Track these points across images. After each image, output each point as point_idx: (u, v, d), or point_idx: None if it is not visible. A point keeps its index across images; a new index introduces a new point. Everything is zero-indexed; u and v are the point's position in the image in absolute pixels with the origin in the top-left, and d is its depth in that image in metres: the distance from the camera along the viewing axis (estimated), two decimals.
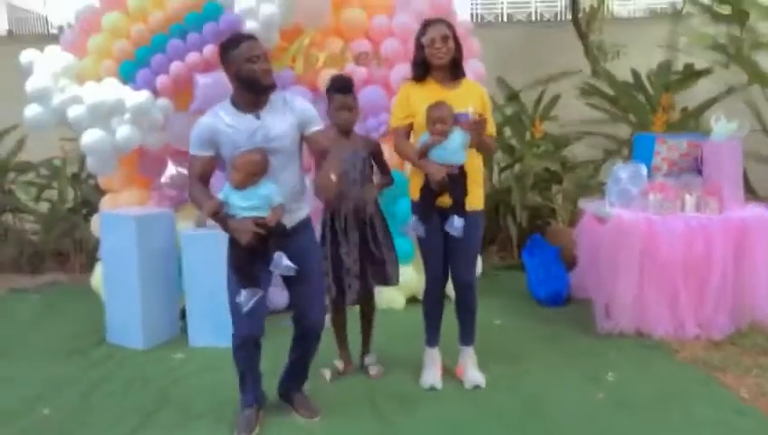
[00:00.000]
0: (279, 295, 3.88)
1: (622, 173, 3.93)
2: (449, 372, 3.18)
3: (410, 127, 2.95)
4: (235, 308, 2.55)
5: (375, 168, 3.18)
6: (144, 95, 3.79)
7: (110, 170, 4.03)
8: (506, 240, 5.45)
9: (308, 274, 2.63)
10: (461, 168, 2.80)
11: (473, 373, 3.10)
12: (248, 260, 2.48)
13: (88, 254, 5.24)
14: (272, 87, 2.52)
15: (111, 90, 3.81)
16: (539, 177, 5.51)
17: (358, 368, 3.32)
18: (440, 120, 2.76)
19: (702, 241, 3.51)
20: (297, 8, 3.88)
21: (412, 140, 2.96)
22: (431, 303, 3.13)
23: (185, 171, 3.94)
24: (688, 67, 5.71)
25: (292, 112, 2.57)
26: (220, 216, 2.44)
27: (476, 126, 2.76)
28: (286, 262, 2.48)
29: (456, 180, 2.79)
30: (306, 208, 2.71)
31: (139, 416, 2.88)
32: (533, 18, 7.89)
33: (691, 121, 5.34)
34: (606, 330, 3.66)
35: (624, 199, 3.86)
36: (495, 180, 5.70)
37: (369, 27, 4.15)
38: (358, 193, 3.03)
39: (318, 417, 2.80)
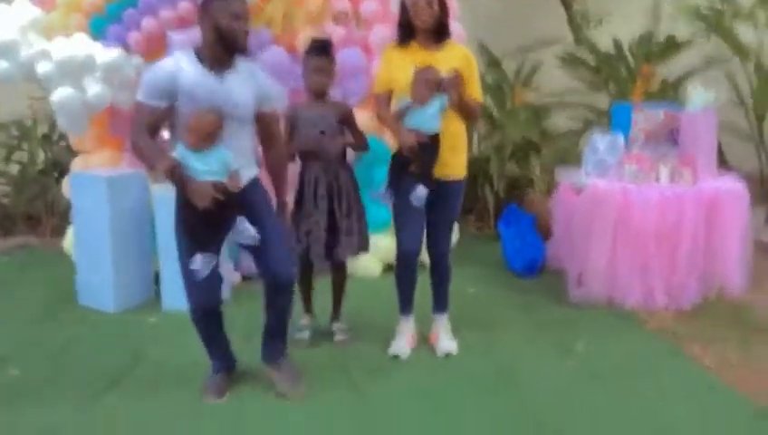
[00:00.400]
0: (249, 259, 3.85)
1: (600, 143, 3.94)
2: (424, 340, 3.18)
3: (390, 93, 2.89)
4: (188, 276, 2.47)
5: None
6: (116, 52, 3.68)
7: (81, 130, 3.92)
8: (484, 210, 5.45)
9: (267, 229, 2.54)
10: (434, 136, 2.75)
11: (445, 342, 3.10)
12: (203, 224, 2.37)
13: (60, 216, 5.14)
14: (245, 50, 2.44)
15: (81, 45, 3.69)
16: (518, 146, 5.49)
17: (326, 333, 3.30)
18: (425, 84, 2.71)
19: (674, 211, 3.55)
20: None
21: (392, 103, 2.91)
22: (404, 272, 3.07)
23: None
24: (670, 38, 5.69)
25: (257, 84, 2.51)
26: (178, 175, 2.30)
27: (453, 83, 2.72)
28: (249, 230, 2.41)
29: (427, 149, 2.74)
30: (255, 168, 2.63)
31: (108, 378, 2.87)
32: None
33: (670, 92, 5.34)
34: (578, 299, 3.70)
35: (601, 169, 3.87)
36: (475, 149, 5.69)
37: None
38: (327, 156, 2.98)
39: (300, 390, 2.69)
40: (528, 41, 5.85)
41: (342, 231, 3.02)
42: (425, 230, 2.99)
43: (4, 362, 3.03)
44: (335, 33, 3.99)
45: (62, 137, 5.09)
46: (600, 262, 3.60)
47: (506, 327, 3.42)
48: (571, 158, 5.23)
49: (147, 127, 2.36)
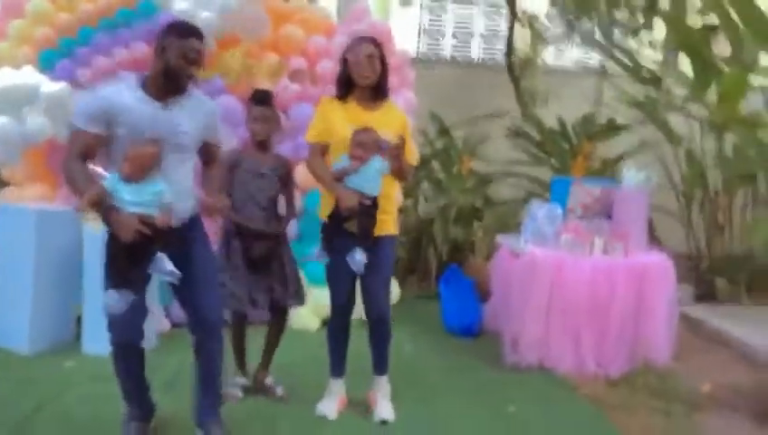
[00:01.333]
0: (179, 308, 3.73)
1: (539, 212, 4.06)
2: (359, 402, 3.07)
3: (326, 145, 2.83)
4: (105, 310, 2.35)
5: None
6: (62, 86, 3.62)
7: (14, 161, 3.79)
8: (427, 270, 5.50)
9: (197, 269, 2.45)
10: (374, 199, 2.72)
11: (383, 407, 2.97)
12: (125, 259, 2.26)
13: None
14: (183, 88, 2.39)
15: (29, 77, 3.62)
16: (462, 211, 5.62)
17: (258, 385, 3.18)
18: (364, 145, 2.69)
19: (606, 283, 3.66)
20: (235, 18, 3.85)
21: (329, 159, 2.85)
22: (334, 332, 3.02)
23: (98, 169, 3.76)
24: (611, 121, 6.04)
25: (203, 113, 2.46)
26: (104, 205, 2.21)
27: (397, 150, 2.72)
28: (169, 266, 2.28)
29: (367, 211, 2.71)
30: (193, 204, 2.52)
31: (9, 426, 2.66)
32: (476, 61, 8.20)
33: (608, 171, 5.61)
34: (512, 363, 3.72)
35: (539, 237, 3.98)
36: (420, 211, 5.79)
37: (307, 46, 4.16)
38: (262, 223, 2.98)
39: None
40: (478, 112, 6.10)
41: (276, 276, 3.00)
42: (356, 285, 2.93)
43: None
44: (290, 88, 4.06)
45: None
46: (535, 327, 3.65)
47: (440, 388, 3.39)
48: (512, 225, 5.38)
49: (80, 154, 2.28)
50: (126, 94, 2.30)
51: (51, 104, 3.61)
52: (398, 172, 2.83)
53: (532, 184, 5.87)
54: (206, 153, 2.57)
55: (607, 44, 5.96)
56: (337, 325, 3.02)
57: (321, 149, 2.83)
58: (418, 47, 10.42)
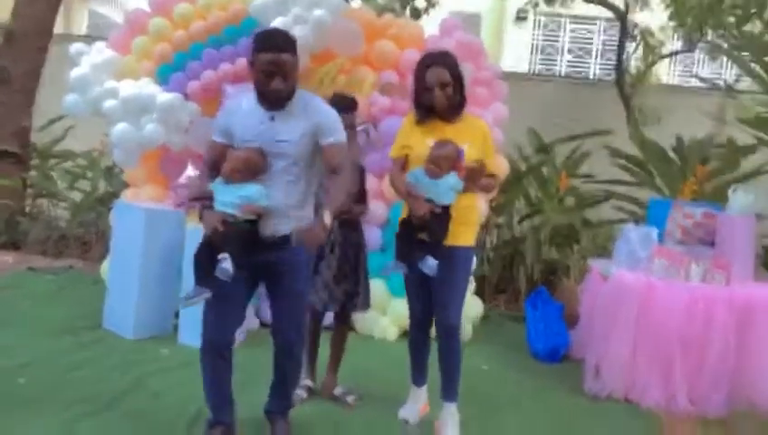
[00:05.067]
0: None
1: (633, 235, 3.85)
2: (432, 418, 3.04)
3: (407, 159, 2.88)
4: (205, 310, 2.45)
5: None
6: (174, 97, 3.97)
7: (133, 164, 4.20)
8: (517, 291, 5.36)
9: (287, 290, 2.50)
10: (446, 207, 2.73)
11: None
12: (207, 257, 2.33)
13: (106, 243, 5.42)
14: (279, 100, 2.40)
15: (145, 88, 4.01)
16: (558, 232, 5.44)
17: (326, 394, 3.23)
18: (439, 161, 2.70)
19: (703, 313, 3.38)
20: (330, 34, 4.02)
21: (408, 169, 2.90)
22: (413, 344, 3.06)
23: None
24: (730, 142, 5.59)
25: (309, 118, 2.43)
26: (202, 203, 2.38)
27: (473, 174, 2.73)
28: (225, 265, 2.29)
29: (438, 219, 2.71)
30: (307, 221, 2.47)
31: (107, 399, 2.95)
32: (592, 78, 7.94)
33: (721, 195, 5.18)
34: (594, 391, 3.53)
35: (631, 261, 3.77)
36: (517, 229, 5.67)
37: (399, 60, 4.25)
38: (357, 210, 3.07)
39: None
40: (583, 130, 5.88)
41: (348, 282, 3.08)
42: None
43: (15, 370, 3.18)
44: (381, 101, 4.16)
45: (123, 170, 5.45)
46: (619, 354, 3.45)
47: (510, 409, 3.29)
48: (610, 248, 5.11)
49: (210, 163, 2.50)
50: (244, 104, 2.47)
51: (164, 113, 3.96)
52: (476, 189, 2.83)
53: (636, 206, 5.56)
54: (323, 159, 2.50)
55: (740, 58, 5.50)
56: (416, 337, 3.06)
57: (402, 164, 2.90)
58: (531, 63, 10.26)
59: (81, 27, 13.48)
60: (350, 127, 3.09)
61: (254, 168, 2.39)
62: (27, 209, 6.01)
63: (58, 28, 6.44)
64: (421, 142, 2.81)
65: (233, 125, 2.45)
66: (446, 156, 2.71)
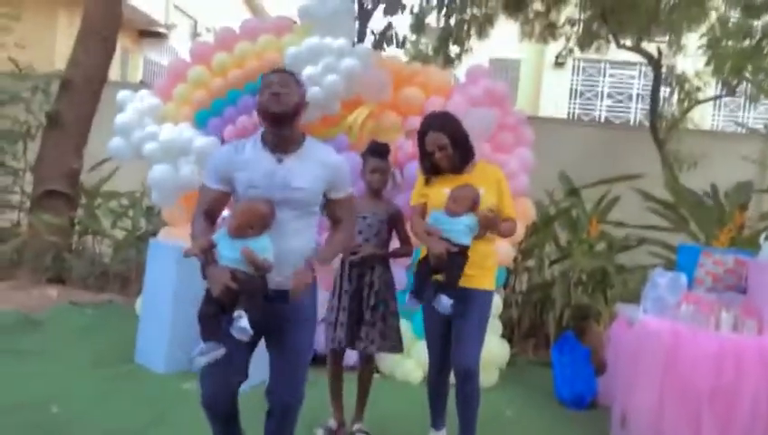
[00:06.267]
0: None
1: (661, 280, 3.79)
2: None
3: (425, 206, 2.97)
4: (202, 371, 2.26)
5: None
6: (210, 140, 4.17)
7: (170, 204, 4.40)
8: (545, 336, 5.28)
9: (290, 346, 2.36)
10: (462, 248, 2.78)
11: None
12: (215, 313, 2.20)
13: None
14: (282, 116, 2.23)
15: (184, 132, 4.23)
16: (591, 276, 5.38)
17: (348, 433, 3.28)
18: (458, 201, 2.79)
19: (733, 364, 3.27)
20: (359, 81, 4.18)
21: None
22: (431, 385, 3.10)
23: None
24: None
25: (323, 166, 2.32)
26: (206, 257, 2.21)
27: (487, 222, 2.80)
28: (242, 324, 2.13)
29: (454, 258, 2.76)
30: (307, 275, 2.33)
31: (132, 430, 3.06)
32: (633, 123, 7.91)
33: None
34: None
35: (659, 307, 3.69)
36: (548, 274, 5.63)
37: (426, 106, 4.37)
38: (367, 250, 3.12)
39: None
40: (616, 174, 5.85)
41: (365, 322, 3.10)
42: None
43: (49, 398, 3.32)
44: (406, 146, 4.27)
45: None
46: (645, 404, 3.34)
47: None
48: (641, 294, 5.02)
49: (205, 211, 2.32)
50: (248, 149, 2.29)
51: (201, 156, 4.16)
52: (497, 234, 2.90)
53: (669, 252, 5.45)
54: (330, 211, 2.42)
55: None
56: (434, 380, 3.08)
57: (421, 211, 3.00)
58: (570, 108, 10.31)
59: (137, 75, 14.27)
60: (382, 171, 3.20)
61: (266, 222, 2.23)
62: (73, 246, 6.30)
63: (115, 75, 6.84)
64: (437, 192, 2.92)
65: (235, 170, 2.27)
66: (465, 196, 2.81)
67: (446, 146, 2.85)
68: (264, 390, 2.44)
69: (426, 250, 2.90)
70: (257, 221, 2.21)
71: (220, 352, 2.18)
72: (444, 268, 2.79)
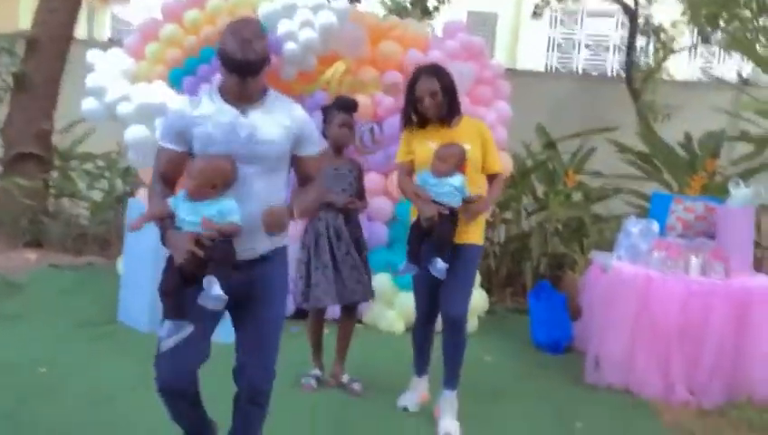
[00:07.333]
0: None
1: (634, 228, 3.90)
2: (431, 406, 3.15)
3: (412, 163, 2.99)
4: (158, 344, 2.03)
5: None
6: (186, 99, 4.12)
7: (146, 164, 4.35)
8: (523, 285, 5.42)
9: (261, 317, 2.15)
10: (453, 210, 2.81)
11: (448, 422, 2.95)
12: (179, 285, 1.97)
13: (124, 240, 5.61)
14: (254, 63, 1.98)
15: (158, 92, 4.16)
16: (567, 226, 5.49)
17: (333, 382, 3.36)
18: (445, 160, 2.80)
19: (702, 306, 3.42)
20: (336, 37, 4.13)
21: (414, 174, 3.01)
22: (417, 336, 3.19)
23: None
24: (744, 135, 5.59)
25: (292, 119, 2.13)
26: (163, 225, 2.01)
27: (475, 212, 2.85)
28: (215, 291, 1.91)
29: (445, 221, 2.79)
30: (283, 237, 2.16)
31: (120, 388, 3.11)
32: (610, 73, 7.92)
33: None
34: (593, 382, 3.60)
35: (632, 254, 3.82)
36: (525, 224, 5.73)
37: (403, 60, 4.34)
38: (335, 205, 3.15)
39: None
40: (593, 126, 5.91)
41: (345, 275, 3.17)
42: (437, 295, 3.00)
43: (36, 360, 3.36)
44: (385, 101, 4.26)
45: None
46: (617, 346, 3.51)
47: (511, 398, 3.39)
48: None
49: (162, 173, 2.11)
50: (204, 103, 2.08)
51: None
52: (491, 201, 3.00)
53: (644, 201, 5.57)
54: (299, 169, 2.23)
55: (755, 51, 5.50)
56: (420, 333, 3.18)
57: (408, 168, 3.02)
58: (548, 60, 10.26)
59: (104, 33, 13.85)
60: (350, 126, 3.21)
61: (228, 179, 2.00)
62: (49, 209, 6.23)
63: (82, 34, 6.64)
64: (423, 146, 2.93)
65: (192, 126, 2.05)
66: (450, 154, 2.82)
67: (437, 93, 2.85)
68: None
69: (416, 213, 2.93)
70: (219, 178, 1.98)
71: (188, 330, 1.98)
72: (436, 231, 2.82)
